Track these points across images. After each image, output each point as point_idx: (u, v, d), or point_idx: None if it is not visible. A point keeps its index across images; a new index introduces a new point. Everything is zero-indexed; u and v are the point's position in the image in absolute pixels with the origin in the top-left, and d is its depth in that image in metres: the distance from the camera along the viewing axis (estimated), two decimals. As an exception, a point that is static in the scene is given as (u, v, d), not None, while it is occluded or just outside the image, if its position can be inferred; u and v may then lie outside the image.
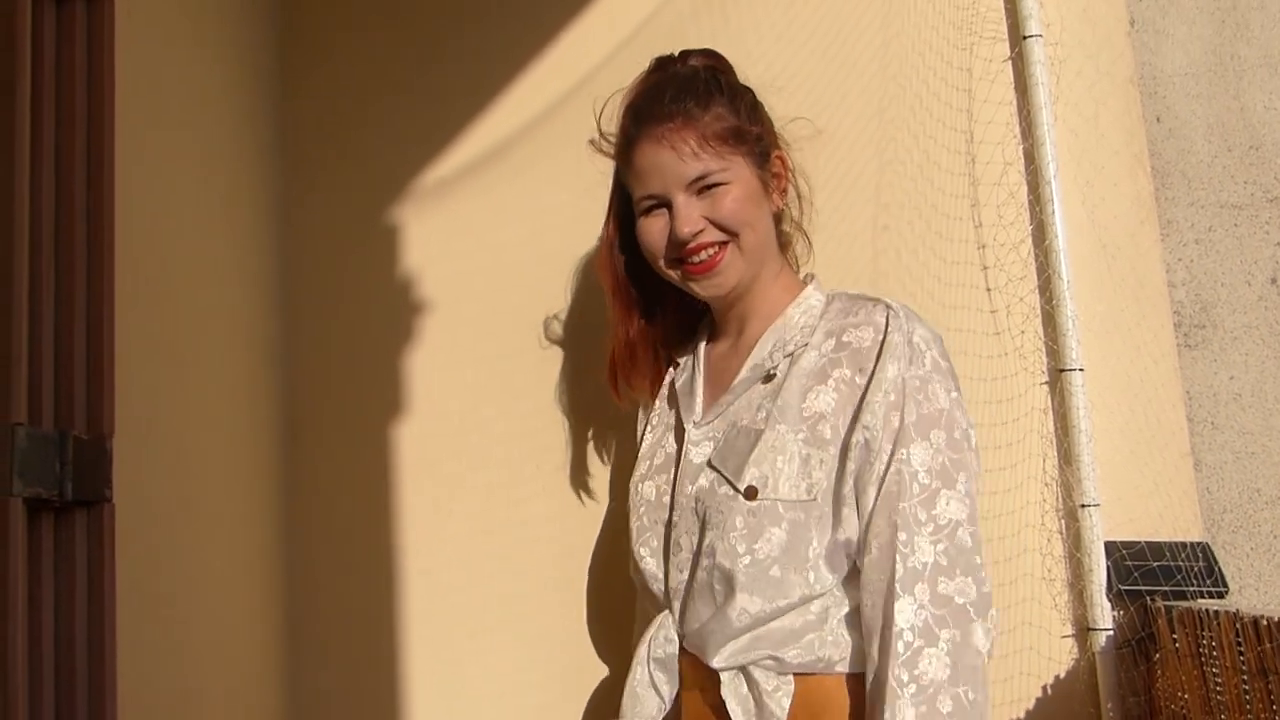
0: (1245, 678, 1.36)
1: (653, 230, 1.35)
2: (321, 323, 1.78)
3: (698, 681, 1.32)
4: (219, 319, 1.53)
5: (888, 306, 1.29)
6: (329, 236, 1.81)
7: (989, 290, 1.78)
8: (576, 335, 1.77)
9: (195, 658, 1.37)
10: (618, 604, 1.61)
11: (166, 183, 1.37)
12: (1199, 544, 1.70)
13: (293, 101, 1.86)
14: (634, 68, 1.45)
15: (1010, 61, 1.82)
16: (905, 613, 1.16)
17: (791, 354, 1.32)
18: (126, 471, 1.05)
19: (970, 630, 1.17)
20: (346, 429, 1.75)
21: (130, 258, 1.13)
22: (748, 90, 1.41)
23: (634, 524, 1.40)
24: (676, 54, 1.43)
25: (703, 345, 1.45)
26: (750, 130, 1.34)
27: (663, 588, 1.34)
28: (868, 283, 1.78)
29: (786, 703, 1.23)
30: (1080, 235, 1.79)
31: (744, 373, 1.35)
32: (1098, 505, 1.69)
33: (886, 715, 1.13)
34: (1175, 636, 1.55)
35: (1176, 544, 1.68)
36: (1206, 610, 1.47)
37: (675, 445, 1.39)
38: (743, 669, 1.26)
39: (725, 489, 1.28)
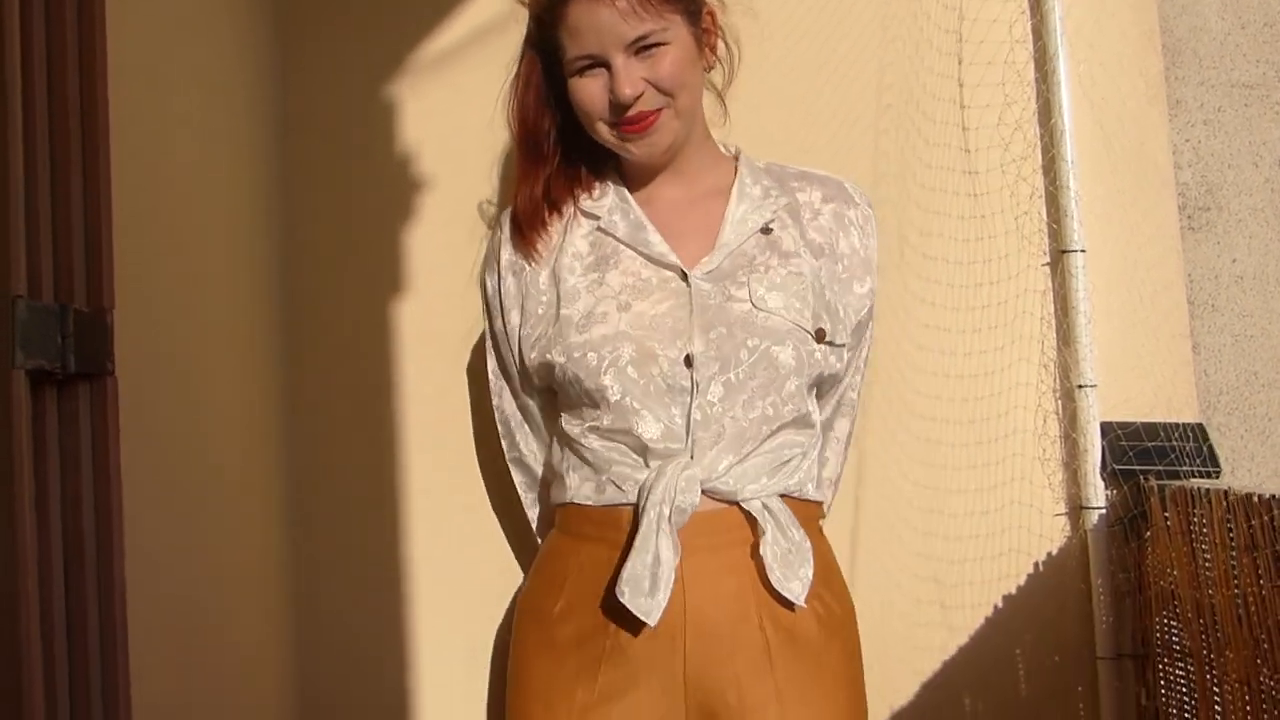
0: (1233, 553, 1.38)
1: (590, 91, 1.33)
2: (321, 197, 1.76)
3: (708, 537, 1.30)
4: (217, 194, 1.52)
5: (846, 183, 1.47)
6: (327, 112, 1.78)
7: (998, 170, 1.76)
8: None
9: (201, 525, 1.39)
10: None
11: (161, 53, 1.34)
12: (1194, 425, 1.72)
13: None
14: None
15: (1020, -66, 1.77)
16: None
17: (775, 207, 1.41)
18: (128, 346, 1.05)
19: None
20: (346, 306, 1.74)
21: (125, 128, 1.11)
22: None
23: (610, 383, 1.31)
24: None
25: (628, 194, 1.42)
26: None
27: (681, 438, 1.30)
28: (868, 164, 1.76)
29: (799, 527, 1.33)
30: (1086, 115, 1.77)
31: (731, 225, 1.39)
32: (1094, 386, 1.70)
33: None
34: (1167, 514, 1.57)
35: (1171, 425, 1.70)
36: (1198, 488, 1.49)
37: (638, 294, 1.35)
38: (763, 501, 1.32)
39: (785, 329, 1.33)
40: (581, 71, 1.33)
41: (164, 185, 1.32)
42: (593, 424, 1.34)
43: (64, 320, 0.94)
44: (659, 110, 1.33)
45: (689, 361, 1.30)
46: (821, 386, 1.43)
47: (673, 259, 1.36)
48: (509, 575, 1.70)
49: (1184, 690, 1.55)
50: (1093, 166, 1.77)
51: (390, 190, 1.76)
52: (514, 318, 1.44)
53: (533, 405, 1.51)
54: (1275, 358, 1.95)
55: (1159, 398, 1.75)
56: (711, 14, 1.40)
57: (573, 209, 1.43)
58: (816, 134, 1.77)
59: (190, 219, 1.42)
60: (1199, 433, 1.71)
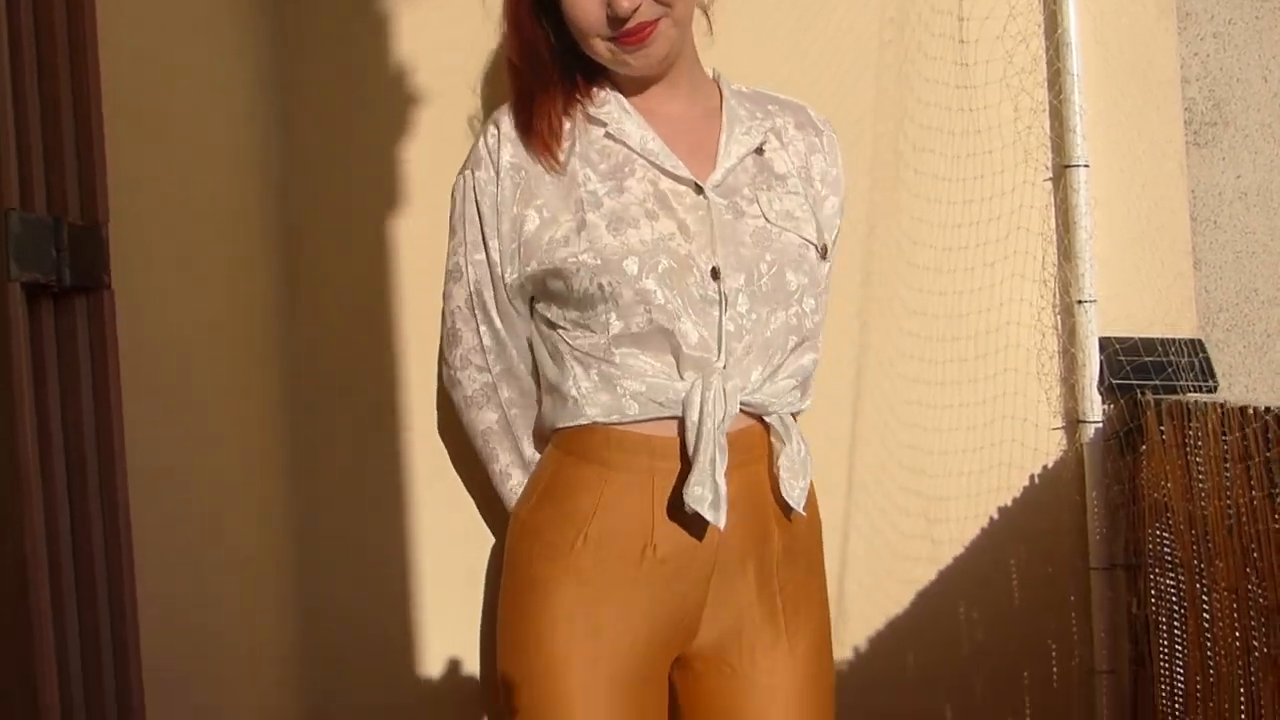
0: (1227, 465, 1.39)
1: (585, 6, 1.31)
2: (319, 108, 1.74)
3: (740, 454, 1.32)
4: (213, 106, 1.51)
5: (809, 109, 1.50)
6: (325, 20, 1.75)
7: (1000, 83, 1.74)
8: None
9: (200, 436, 1.40)
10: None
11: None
12: (1192, 341, 1.72)
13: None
14: None
15: None
16: None
17: (763, 129, 1.42)
18: (124, 260, 1.05)
19: None
20: (345, 218, 1.73)
21: (115, 36, 1.10)
22: None
23: (654, 287, 1.29)
24: None
25: (629, 106, 1.40)
26: None
27: (714, 349, 1.31)
28: (870, 77, 1.74)
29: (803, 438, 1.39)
30: (1092, 27, 1.74)
31: (730, 143, 1.39)
32: (1094, 302, 1.70)
33: None
34: (1162, 428, 1.59)
35: (1169, 340, 1.70)
36: (1194, 402, 1.50)
37: (661, 204, 1.34)
38: (780, 415, 1.35)
39: (797, 244, 1.36)
40: None
41: (157, 97, 1.31)
42: (620, 335, 1.31)
43: (58, 233, 0.94)
44: (657, 20, 1.31)
45: (715, 274, 1.31)
46: None
47: (686, 172, 1.35)
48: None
49: (1174, 599, 1.58)
50: (1098, 80, 1.74)
51: (388, 100, 1.74)
52: (507, 224, 1.39)
53: (516, 318, 1.44)
54: (1276, 274, 1.94)
55: (1158, 313, 1.75)
56: None
57: (578, 115, 1.40)
58: (819, 49, 1.75)
59: (185, 131, 1.40)
60: (1197, 348, 1.71)
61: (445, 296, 1.47)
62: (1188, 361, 1.67)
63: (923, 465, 1.76)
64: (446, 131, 1.72)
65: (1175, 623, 1.58)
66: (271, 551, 1.65)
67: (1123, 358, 1.69)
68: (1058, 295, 1.74)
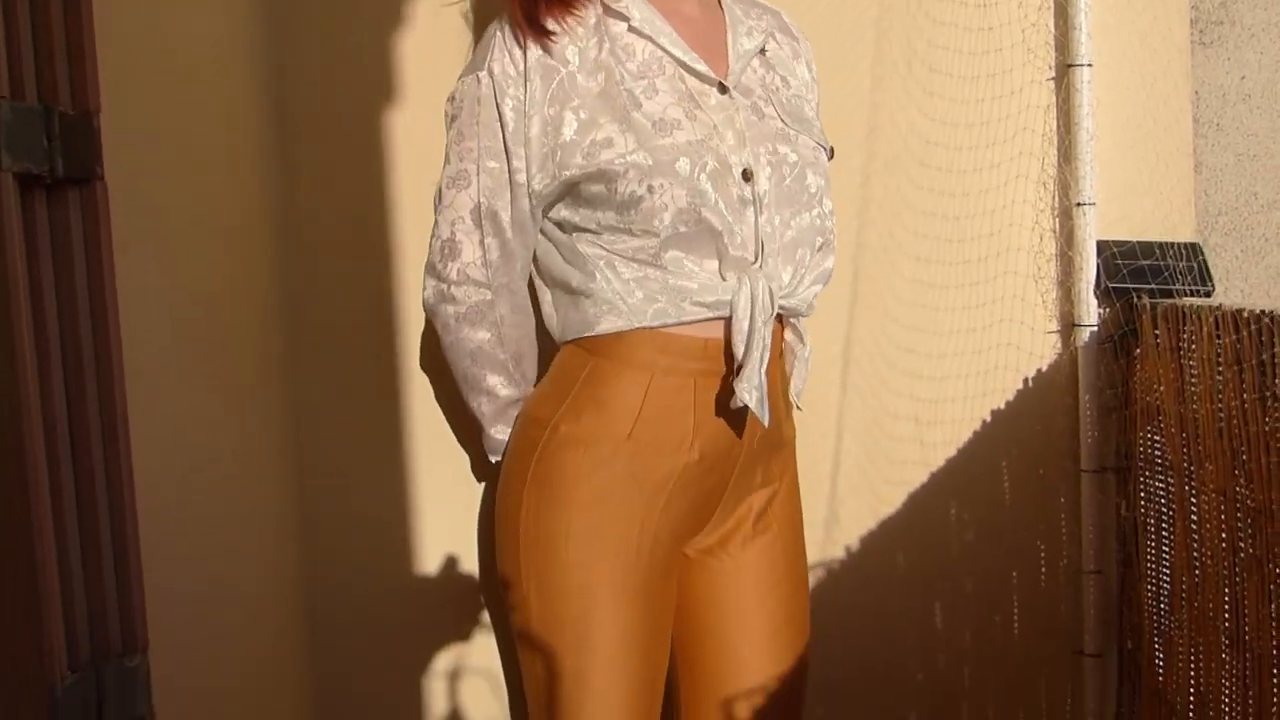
0: (1219, 368, 1.40)
1: None
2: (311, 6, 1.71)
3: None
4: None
5: (784, 15, 1.50)
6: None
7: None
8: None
9: (195, 331, 1.40)
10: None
11: None
12: (1190, 244, 1.71)
13: None
14: None
15: None
16: None
17: (762, 30, 1.42)
18: (117, 155, 1.04)
19: None
20: (341, 114, 1.70)
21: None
22: None
23: (707, 188, 1.28)
24: None
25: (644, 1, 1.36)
26: None
27: (753, 250, 1.31)
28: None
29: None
30: (1101, -79, 1.70)
31: (737, 43, 1.39)
32: (1093, 204, 1.69)
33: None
34: (1157, 331, 1.59)
35: (1167, 244, 1.69)
36: (1189, 306, 1.50)
37: (694, 104, 1.32)
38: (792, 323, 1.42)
39: (812, 146, 1.38)
40: None
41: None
42: (670, 238, 1.29)
43: (49, 122, 0.92)
44: None
45: (747, 176, 1.30)
46: None
47: (709, 71, 1.34)
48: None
49: (1163, 501, 1.60)
50: (1104, -24, 1.71)
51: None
52: (536, 127, 1.32)
53: (530, 228, 1.39)
54: (1276, 178, 1.93)
55: (1157, 216, 1.75)
56: None
57: (597, 9, 1.35)
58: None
59: (177, 19, 1.38)
60: (1194, 252, 1.71)
61: (443, 206, 1.39)
62: (1185, 265, 1.67)
63: (918, 368, 1.77)
64: (447, 26, 1.69)
65: (1163, 524, 1.60)
66: (269, 447, 1.66)
67: (1120, 261, 1.69)
68: (1057, 197, 1.73)
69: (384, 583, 1.75)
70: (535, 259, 1.42)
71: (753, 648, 1.42)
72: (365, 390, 1.73)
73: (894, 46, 1.71)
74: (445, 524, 1.75)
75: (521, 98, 1.32)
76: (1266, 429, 1.29)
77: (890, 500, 1.78)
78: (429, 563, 1.76)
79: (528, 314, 1.45)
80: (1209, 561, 1.46)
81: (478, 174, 1.36)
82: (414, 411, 1.73)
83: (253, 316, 1.62)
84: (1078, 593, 1.78)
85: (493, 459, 1.48)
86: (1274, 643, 1.29)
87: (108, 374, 1.01)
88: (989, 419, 1.76)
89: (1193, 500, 1.50)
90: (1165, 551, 1.60)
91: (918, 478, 1.78)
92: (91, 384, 1.00)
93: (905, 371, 1.77)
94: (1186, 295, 1.65)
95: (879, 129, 1.72)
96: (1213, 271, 1.73)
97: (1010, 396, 1.76)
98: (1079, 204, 1.69)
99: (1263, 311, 1.29)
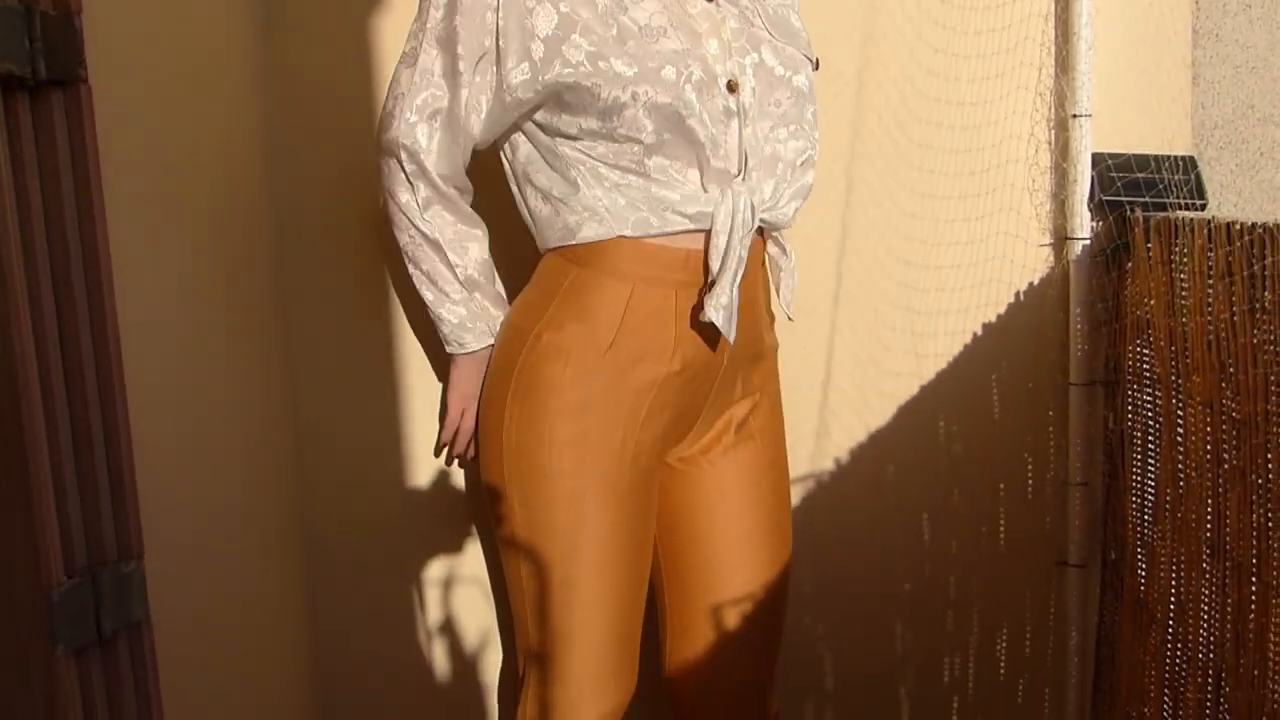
0: (1210, 281, 1.40)
1: None
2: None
3: (750, 267, 1.36)
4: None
5: None
6: None
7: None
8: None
9: (182, 240, 1.38)
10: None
11: None
12: (1185, 157, 1.70)
13: None
14: None
15: None
16: None
17: None
18: (101, 54, 1.02)
19: None
20: (329, 14, 1.66)
21: None
22: None
23: (692, 98, 1.26)
24: None
25: None
26: None
27: (736, 163, 1.31)
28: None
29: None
30: None
31: None
32: (1089, 116, 1.67)
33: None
34: (1149, 245, 1.59)
35: (1162, 157, 1.68)
36: (1182, 219, 1.50)
37: (681, 12, 1.30)
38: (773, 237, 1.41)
39: (798, 57, 1.37)
40: None
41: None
42: (654, 145, 1.28)
43: (30, 22, 0.91)
44: None
45: (731, 87, 1.30)
46: None
47: None
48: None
49: (1150, 414, 1.61)
50: (1107, -120, 1.68)
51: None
52: (514, 20, 1.27)
53: (482, 124, 1.33)
54: (1273, 91, 1.91)
55: (1153, 129, 1.73)
56: None
57: None
58: None
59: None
60: (1189, 165, 1.70)
61: (395, 82, 1.34)
62: (1179, 179, 1.66)
63: (911, 280, 1.76)
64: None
65: (1150, 437, 1.62)
66: (263, 360, 1.66)
67: (1114, 174, 1.68)
68: (1053, 109, 1.71)
69: (377, 492, 1.77)
70: (517, 167, 1.39)
71: (735, 555, 1.45)
72: (357, 304, 1.73)
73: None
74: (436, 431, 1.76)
75: None
76: (1254, 341, 1.29)
77: (881, 413, 1.79)
78: (421, 475, 1.77)
79: (472, 220, 1.43)
80: (1193, 473, 1.47)
81: (496, 59, 1.30)
82: (406, 325, 1.73)
83: (241, 222, 1.60)
84: (1063, 504, 1.80)
85: (447, 349, 1.46)
86: (1253, 551, 1.31)
87: (96, 278, 1.01)
88: (980, 332, 1.77)
89: (1179, 413, 1.51)
90: (1151, 464, 1.62)
91: (908, 390, 1.79)
92: (80, 289, 0.99)
93: (900, 283, 1.77)
94: (1180, 209, 1.65)
95: (877, 36, 1.70)
96: (1207, 185, 1.73)
97: (1002, 310, 1.76)
98: (1075, 115, 1.68)
99: (1254, 224, 1.28)
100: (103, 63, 1.04)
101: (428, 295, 1.42)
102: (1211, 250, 1.40)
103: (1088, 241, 1.70)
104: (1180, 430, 1.51)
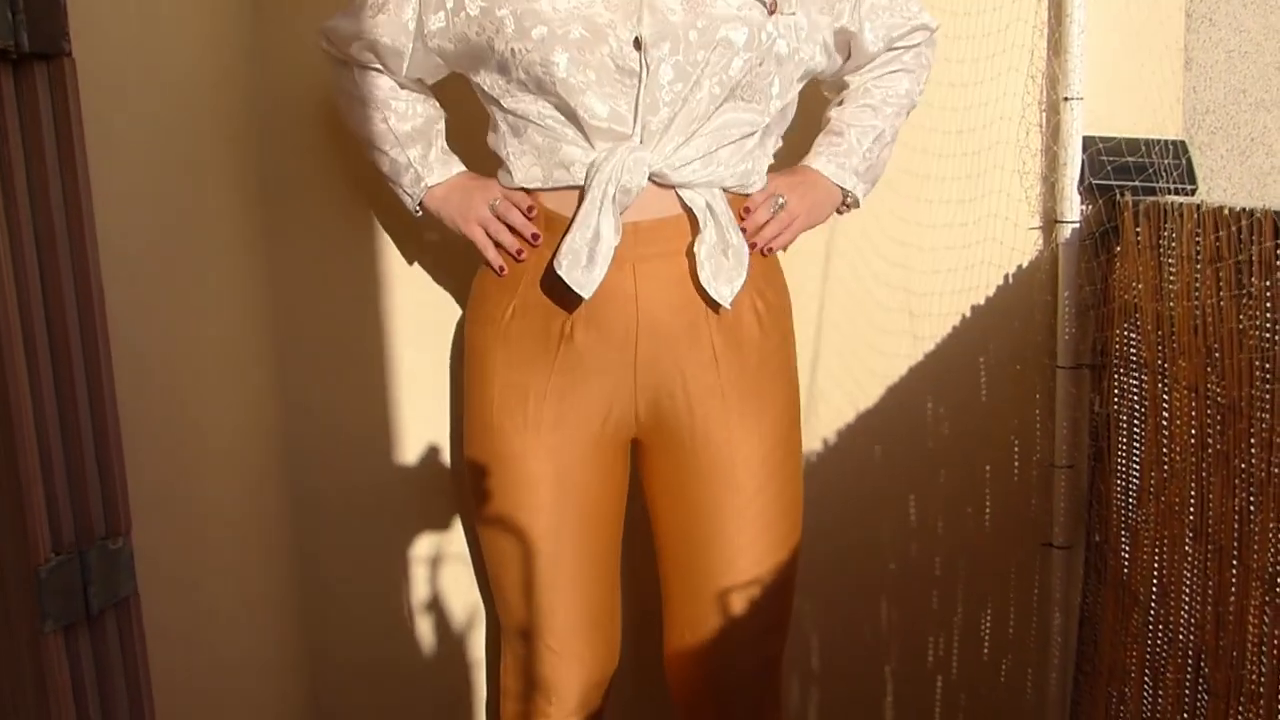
0: (1198, 266, 1.41)
1: None
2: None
3: (659, 245, 1.34)
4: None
5: None
6: None
7: None
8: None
9: (171, 215, 1.38)
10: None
11: None
12: (1175, 142, 1.70)
13: None
14: None
15: None
16: None
17: None
18: (84, 28, 1.01)
19: None
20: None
21: None
22: None
23: (558, 59, 1.26)
24: None
25: None
26: None
27: (628, 122, 1.28)
28: None
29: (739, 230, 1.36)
30: None
31: None
32: (1080, 99, 1.67)
33: None
34: (1138, 229, 1.59)
35: (1152, 141, 1.68)
36: (1171, 203, 1.50)
37: None
38: (707, 200, 1.33)
39: (735, 5, 1.28)
40: None
41: None
42: (540, 103, 1.31)
43: (13, -6, 0.90)
44: None
45: (638, 44, 1.26)
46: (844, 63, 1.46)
47: None
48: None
49: (1136, 398, 1.62)
50: None
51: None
52: None
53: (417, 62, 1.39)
54: (1265, 76, 1.91)
55: (1144, 113, 1.73)
56: None
57: None
58: None
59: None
60: (1179, 150, 1.70)
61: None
62: (1169, 163, 1.66)
63: (902, 260, 1.77)
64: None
65: (1135, 420, 1.63)
66: (250, 339, 1.65)
67: (1105, 157, 1.68)
68: (1045, 91, 1.71)
69: (365, 465, 1.77)
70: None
71: (743, 536, 1.41)
72: (345, 281, 1.73)
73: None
74: (423, 410, 1.77)
75: None
76: (1240, 326, 1.30)
77: (870, 393, 1.80)
78: (409, 449, 1.77)
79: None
80: (1178, 457, 1.48)
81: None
82: (395, 302, 1.73)
83: (229, 196, 1.59)
84: (1049, 486, 1.81)
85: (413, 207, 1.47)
86: (1235, 535, 1.32)
87: (81, 253, 1.00)
88: (968, 315, 1.77)
89: (1165, 397, 1.52)
90: (1136, 447, 1.63)
91: (897, 370, 1.80)
92: (66, 265, 0.99)
93: (894, 264, 1.77)
94: (1170, 194, 1.65)
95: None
96: (1197, 170, 1.73)
97: (990, 292, 1.77)
98: (1066, 98, 1.67)
99: (1244, 210, 1.29)
100: (85, 34, 1.03)
101: (376, 157, 1.46)
102: (1200, 235, 1.40)
103: (1077, 225, 1.71)
104: (1165, 414, 1.52)
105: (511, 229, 1.37)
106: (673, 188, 1.32)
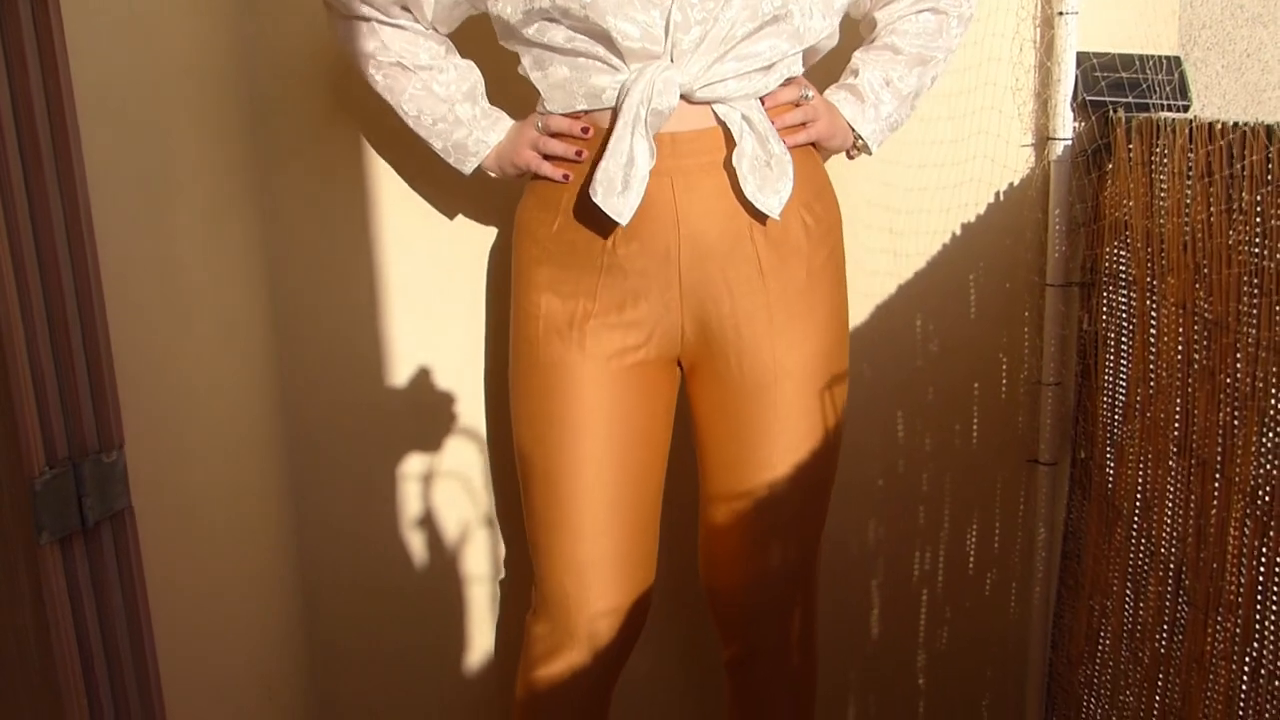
0: (1189, 182, 1.40)
1: None
2: None
3: (696, 157, 1.33)
4: None
5: None
6: None
7: None
8: None
9: (154, 116, 1.37)
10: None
11: None
12: (1170, 58, 1.69)
13: None
14: None
15: None
16: None
17: None
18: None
19: None
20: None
21: None
22: None
23: None
24: None
25: None
26: None
27: (660, 40, 1.28)
28: None
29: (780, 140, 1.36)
30: None
31: None
32: (1075, 13, 1.65)
33: None
34: (1130, 145, 1.58)
35: (1146, 56, 1.67)
36: (1164, 119, 1.49)
37: None
38: (742, 112, 1.33)
39: None
40: None
41: None
42: (568, 28, 1.30)
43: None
44: None
45: None
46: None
47: None
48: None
49: (1124, 315, 1.63)
50: None
51: None
52: None
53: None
54: (1264, -11, 1.89)
55: (1139, 28, 1.71)
56: None
57: None
58: None
59: None
60: (1173, 65, 1.68)
61: None
62: (1164, 79, 1.65)
63: (891, 178, 1.76)
64: None
65: (1123, 337, 1.64)
66: (239, 253, 1.65)
67: (1099, 73, 1.66)
68: (1039, 5, 1.69)
69: (358, 377, 1.78)
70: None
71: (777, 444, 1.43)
72: (336, 195, 1.72)
73: None
74: (415, 330, 1.77)
75: None
76: (1230, 241, 1.30)
77: (858, 311, 1.80)
78: (402, 365, 1.78)
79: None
80: (1164, 373, 1.49)
81: None
82: (385, 213, 1.73)
83: (223, 156, 1.58)
84: (1036, 404, 1.83)
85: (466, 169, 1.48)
86: (1219, 449, 1.34)
87: (67, 166, 0.99)
88: (959, 232, 1.77)
89: (1153, 314, 1.53)
90: (1123, 364, 1.64)
91: (885, 289, 1.80)
92: (52, 179, 0.98)
93: (882, 183, 1.76)
94: (1164, 110, 1.64)
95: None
96: (1191, 86, 1.71)
97: (981, 210, 1.76)
98: (1061, 13, 1.65)
99: (1236, 124, 1.28)
100: None
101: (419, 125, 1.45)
102: (1192, 151, 1.40)
103: (1069, 142, 1.70)
104: (1153, 331, 1.53)
105: (558, 136, 1.37)
106: (707, 104, 1.33)
